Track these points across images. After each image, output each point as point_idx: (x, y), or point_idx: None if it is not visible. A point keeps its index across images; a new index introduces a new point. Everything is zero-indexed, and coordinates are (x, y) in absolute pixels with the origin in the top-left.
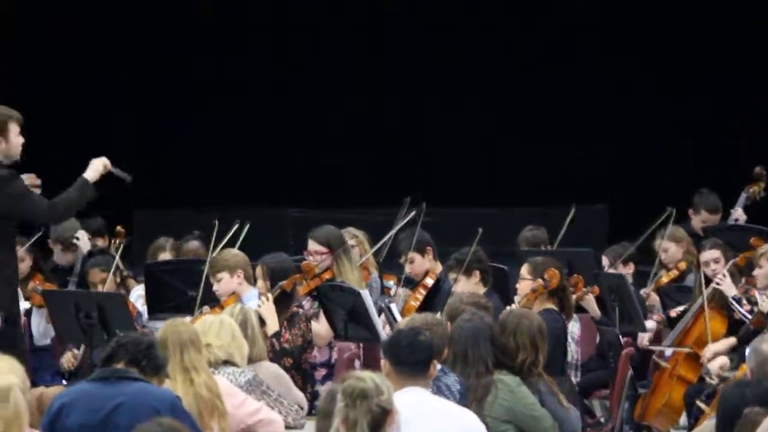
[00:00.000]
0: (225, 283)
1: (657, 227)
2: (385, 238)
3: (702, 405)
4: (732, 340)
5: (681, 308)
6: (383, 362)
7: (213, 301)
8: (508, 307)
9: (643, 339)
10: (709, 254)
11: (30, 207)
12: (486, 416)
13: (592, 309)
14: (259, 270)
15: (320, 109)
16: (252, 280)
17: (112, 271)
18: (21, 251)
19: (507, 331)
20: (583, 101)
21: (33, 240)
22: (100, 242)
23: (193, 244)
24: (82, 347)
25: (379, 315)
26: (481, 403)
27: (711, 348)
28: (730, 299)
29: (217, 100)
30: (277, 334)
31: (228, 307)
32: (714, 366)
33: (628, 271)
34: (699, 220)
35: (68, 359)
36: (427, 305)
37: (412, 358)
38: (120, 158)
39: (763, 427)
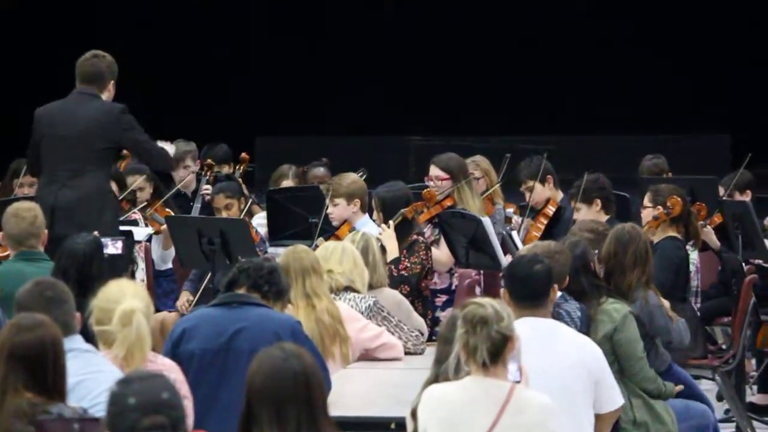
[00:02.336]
0: (341, 209)
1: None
2: (505, 171)
3: None
4: None
5: None
6: (502, 291)
7: (333, 229)
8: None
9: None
10: None
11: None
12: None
13: (712, 241)
14: (374, 201)
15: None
16: (367, 209)
17: (237, 197)
18: (141, 180)
19: (619, 247)
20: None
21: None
22: (226, 169)
23: (319, 171)
24: (203, 283)
25: (501, 243)
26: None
27: None
28: None
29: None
30: (396, 261)
31: (349, 234)
32: None
33: (745, 198)
34: None
35: (183, 303)
36: (548, 234)
37: (528, 289)
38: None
39: None
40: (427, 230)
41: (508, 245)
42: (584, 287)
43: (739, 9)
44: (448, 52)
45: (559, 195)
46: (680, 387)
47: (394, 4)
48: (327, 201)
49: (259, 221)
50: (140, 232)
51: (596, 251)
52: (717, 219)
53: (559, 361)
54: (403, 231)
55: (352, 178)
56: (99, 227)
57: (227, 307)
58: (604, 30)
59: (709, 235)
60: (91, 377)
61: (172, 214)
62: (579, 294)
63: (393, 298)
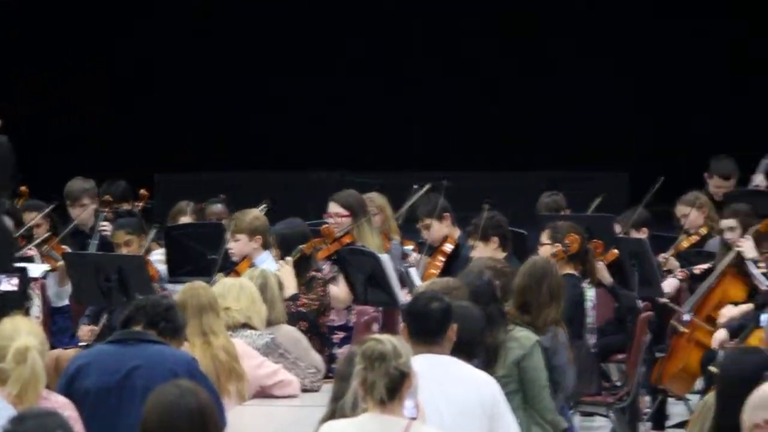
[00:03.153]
0: (242, 245)
1: (653, 195)
2: (406, 206)
3: (715, 371)
4: (748, 306)
5: (706, 266)
6: (401, 327)
7: (232, 265)
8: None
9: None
10: (725, 222)
11: None
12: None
13: (604, 277)
14: (272, 238)
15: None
16: (268, 245)
17: (137, 233)
18: (37, 217)
19: (533, 281)
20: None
21: (51, 207)
22: (125, 205)
23: (217, 208)
24: (102, 320)
25: (400, 280)
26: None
27: (725, 314)
28: (748, 261)
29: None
30: (294, 297)
31: (248, 270)
32: (714, 340)
33: (641, 235)
34: (712, 185)
35: (85, 332)
36: (446, 271)
37: (426, 326)
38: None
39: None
40: (326, 267)
41: (406, 282)
42: (493, 314)
43: (642, 45)
44: (346, 87)
45: (457, 232)
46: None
47: (296, 38)
48: (228, 236)
49: (158, 257)
50: (36, 269)
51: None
52: (611, 256)
53: (455, 397)
54: (302, 267)
55: (255, 214)
56: None
57: (123, 344)
58: (499, 66)
59: (602, 271)
60: None
61: (69, 250)
62: (487, 322)
63: (291, 334)
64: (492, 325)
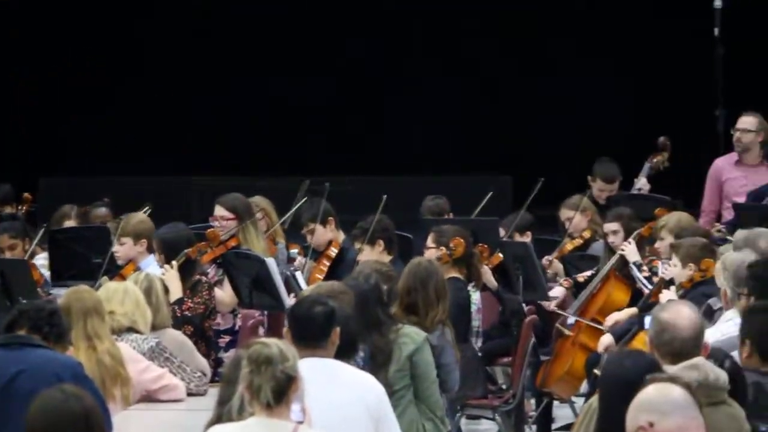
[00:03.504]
0: (127, 248)
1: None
2: (292, 210)
3: (599, 373)
4: (632, 310)
5: (588, 273)
6: (285, 331)
7: (117, 268)
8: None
9: (551, 304)
10: (608, 226)
11: None
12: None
13: (489, 281)
14: (155, 242)
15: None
16: (153, 249)
17: (21, 236)
18: None
19: (417, 282)
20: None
21: None
22: (8, 209)
23: (101, 211)
24: None
25: (285, 284)
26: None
27: (611, 317)
28: (632, 264)
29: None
30: (179, 301)
31: (133, 274)
32: (600, 345)
33: (525, 239)
34: (596, 188)
35: None
36: (332, 274)
37: (310, 329)
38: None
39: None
40: (211, 270)
41: (291, 286)
42: (380, 317)
43: (642, 45)
44: (229, 89)
45: (341, 236)
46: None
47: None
48: (114, 239)
49: (42, 262)
50: None
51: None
52: (495, 260)
53: (340, 400)
54: (187, 271)
55: (140, 218)
56: None
57: (7, 349)
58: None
59: (486, 274)
60: None
61: None
62: (375, 324)
63: (176, 338)
64: (380, 327)
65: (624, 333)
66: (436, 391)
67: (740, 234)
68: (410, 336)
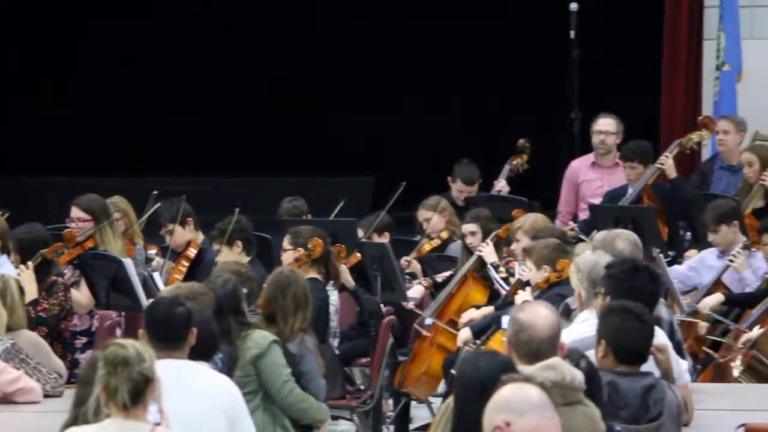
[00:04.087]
0: None
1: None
2: (150, 211)
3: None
4: (488, 309)
5: (447, 273)
6: (141, 332)
7: None
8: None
9: (409, 304)
10: (466, 227)
11: None
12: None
13: (347, 280)
14: (11, 243)
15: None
16: (7, 250)
17: None
18: None
19: (278, 291)
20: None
21: None
22: None
23: None
24: None
25: (143, 285)
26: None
27: (466, 315)
28: (489, 265)
29: None
30: (35, 302)
31: None
32: (459, 339)
33: (384, 240)
34: (456, 189)
35: None
36: (191, 275)
37: (167, 331)
38: None
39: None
40: (68, 271)
41: (149, 287)
42: (230, 325)
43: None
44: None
45: (200, 237)
46: None
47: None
48: None
49: None
50: None
51: (244, 290)
52: (353, 260)
53: (195, 401)
54: (43, 272)
55: None
56: None
57: None
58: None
59: (344, 274)
60: None
61: None
62: (226, 332)
63: (31, 339)
64: (230, 335)
65: (483, 329)
66: (290, 389)
67: (599, 235)
68: (255, 341)
